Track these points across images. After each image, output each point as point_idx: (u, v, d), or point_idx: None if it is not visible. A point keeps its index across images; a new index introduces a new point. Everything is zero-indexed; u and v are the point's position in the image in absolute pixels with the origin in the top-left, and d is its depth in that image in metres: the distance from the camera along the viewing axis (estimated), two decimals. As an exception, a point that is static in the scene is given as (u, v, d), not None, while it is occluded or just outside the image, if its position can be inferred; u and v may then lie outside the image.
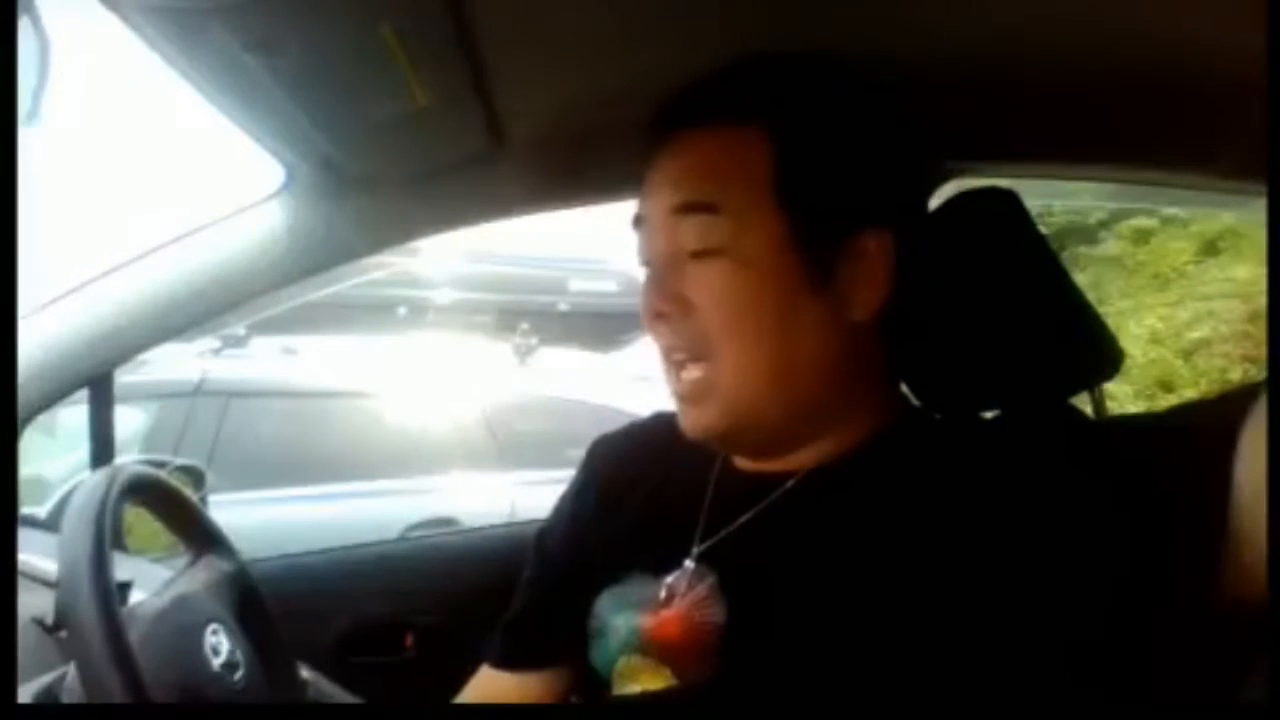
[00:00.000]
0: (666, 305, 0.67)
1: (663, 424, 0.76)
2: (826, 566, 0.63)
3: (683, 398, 0.69)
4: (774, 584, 0.65)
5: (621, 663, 0.68)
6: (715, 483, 0.73)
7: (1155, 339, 6.56)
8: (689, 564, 0.68)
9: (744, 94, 0.68)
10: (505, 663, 0.82)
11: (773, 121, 0.66)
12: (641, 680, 0.67)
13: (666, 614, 0.67)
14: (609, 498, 0.79)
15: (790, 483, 0.68)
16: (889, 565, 0.61)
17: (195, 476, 1.59)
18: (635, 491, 0.77)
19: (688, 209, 0.67)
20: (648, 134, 0.72)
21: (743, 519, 0.69)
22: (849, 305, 0.66)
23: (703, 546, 0.69)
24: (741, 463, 0.73)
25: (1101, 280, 7.42)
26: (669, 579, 0.68)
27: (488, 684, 0.82)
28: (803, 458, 0.69)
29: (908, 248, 0.67)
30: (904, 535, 0.62)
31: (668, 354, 0.70)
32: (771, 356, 0.65)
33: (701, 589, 0.66)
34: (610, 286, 5.18)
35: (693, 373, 0.68)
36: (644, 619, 0.68)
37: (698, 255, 0.66)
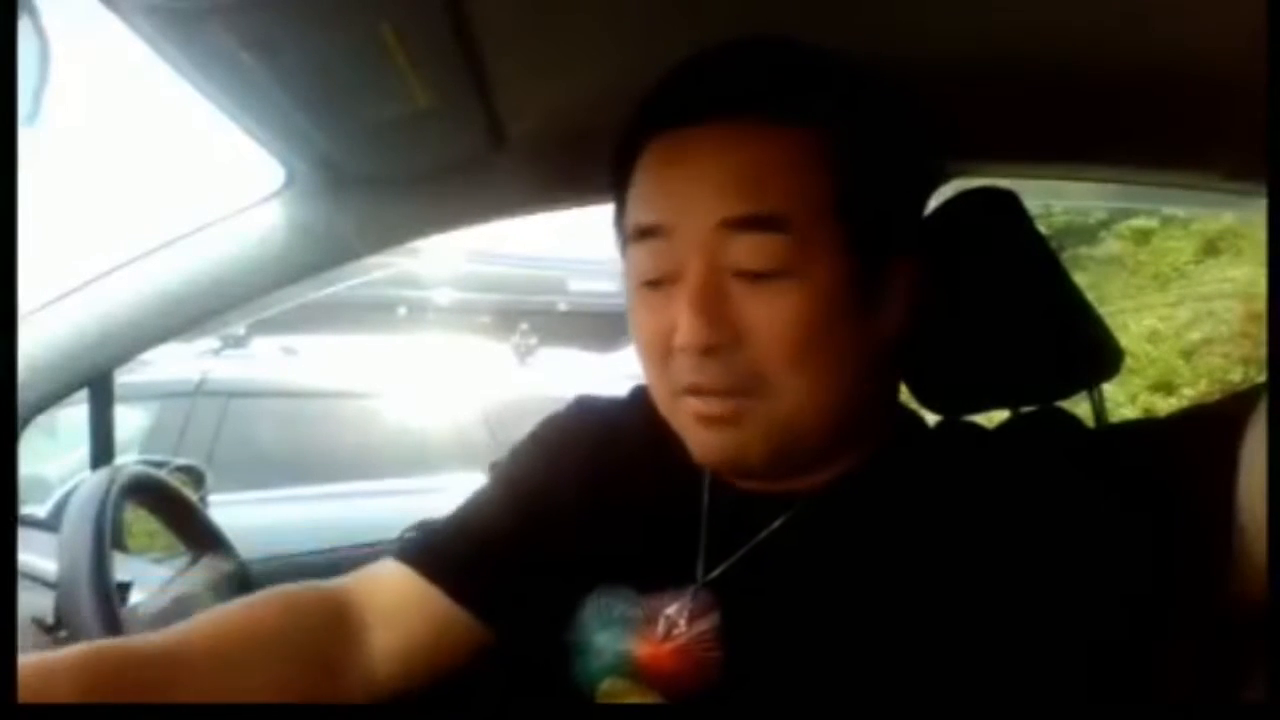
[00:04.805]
0: (719, 336, 0.58)
1: (646, 409, 0.68)
2: (841, 602, 0.61)
3: (710, 421, 0.60)
4: (784, 622, 0.62)
5: (607, 684, 0.64)
6: (709, 499, 0.67)
7: (1155, 339, 6.56)
8: (690, 593, 0.64)
9: (801, 88, 0.60)
10: (428, 571, 0.70)
11: (833, 127, 0.59)
12: (630, 701, 0.64)
13: (665, 646, 0.62)
14: (593, 474, 0.72)
15: (795, 509, 0.64)
16: (905, 595, 0.59)
17: (195, 476, 1.60)
18: (620, 481, 0.71)
19: (748, 224, 0.57)
20: (648, 118, 0.62)
21: (747, 547, 0.64)
22: (883, 323, 0.62)
23: (707, 577, 0.64)
24: (738, 479, 0.68)
25: (1101, 280, 7.42)
26: (668, 610, 0.63)
27: (392, 579, 0.71)
28: (807, 478, 0.65)
29: (929, 258, 0.65)
30: (919, 564, 0.60)
31: (694, 390, 0.60)
32: (829, 387, 0.60)
33: (704, 624, 0.62)
34: (610, 286, 5.16)
35: (728, 404, 0.59)
36: (636, 645, 0.63)
37: (753, 277, 0.57)
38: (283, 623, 0.66)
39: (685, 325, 0.58)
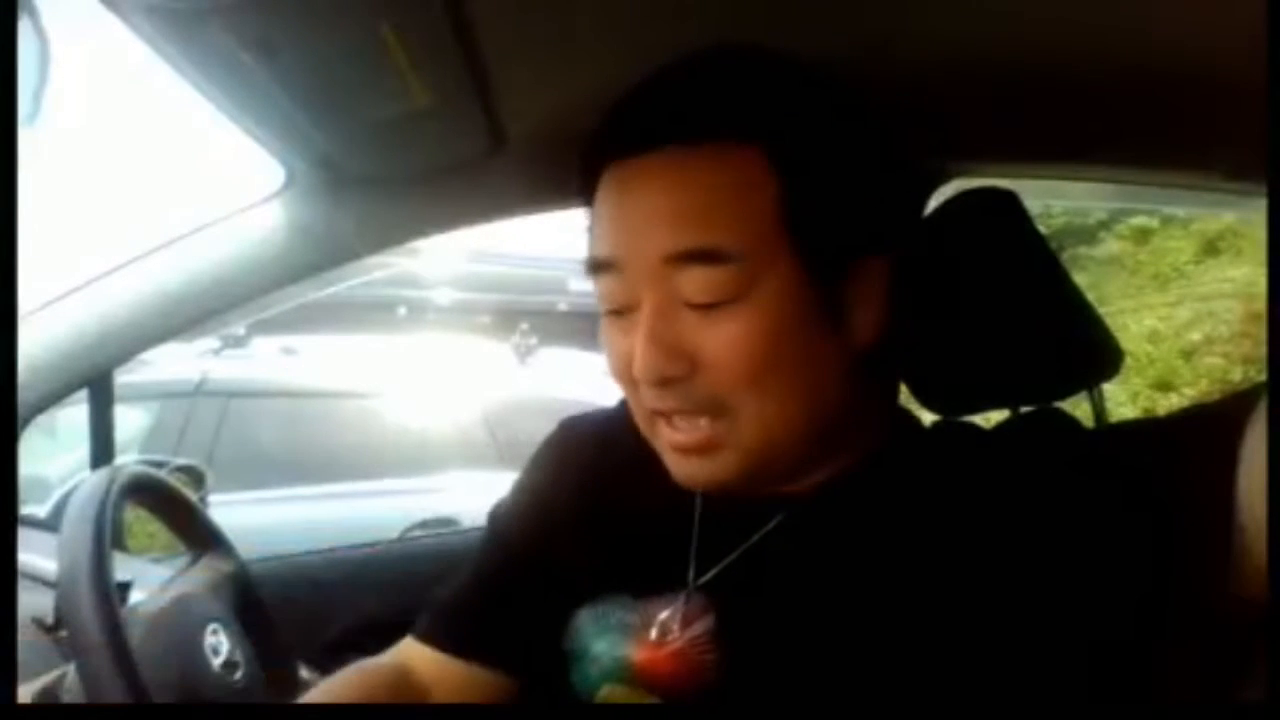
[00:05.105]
0: (674, 368, 0.58)
1: (633, 420, 0.68)
2: (833, 603, 0.61)
3: (685, 451, 0.61)
4: (779, 623, 0.62)
5: (606, 690, 0.65)
6: (702, 503, 0.68)
7: (1155, 339, 6.56)
8: (684, 596, 0.64)
9: (740, 106, 0.58)
10: (436, 641, 0.73)
11: (775, 141, 0.57)
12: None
13: (661, 651, 0.63)
14: (585, 494, 0.73)
15: (786, 512, 0.65)
16: (898, 596, 0.59)
17: (195, 476, 1.60)
18: (612, 493, 0.72)
19: (689, 258, 0.57)
20: (600, 148, 0.62)
21: (740, 550, 0.64)
22: (855, 329, 0.61)
23: (700, 580, 0.65)
24: None
25: (1101, 280, 7.43)
26: (663, 614, 0.64)
27: (414, 656, 0.74)
28: (797, 483, 0.65)
29: (905, 258, 0.64)
30: (912, 564, 0.60)
31: (659, 414, 0.62)
32: (795, 404, 0.60)
33: (698, 628, 0.62)
34: (610, 286, 5.14)
35: (699, 425, 0.60)
36: (633, 649, 0.64)
37: (704, 307, 0.57)
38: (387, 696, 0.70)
39: (639, 358, 0.58)
